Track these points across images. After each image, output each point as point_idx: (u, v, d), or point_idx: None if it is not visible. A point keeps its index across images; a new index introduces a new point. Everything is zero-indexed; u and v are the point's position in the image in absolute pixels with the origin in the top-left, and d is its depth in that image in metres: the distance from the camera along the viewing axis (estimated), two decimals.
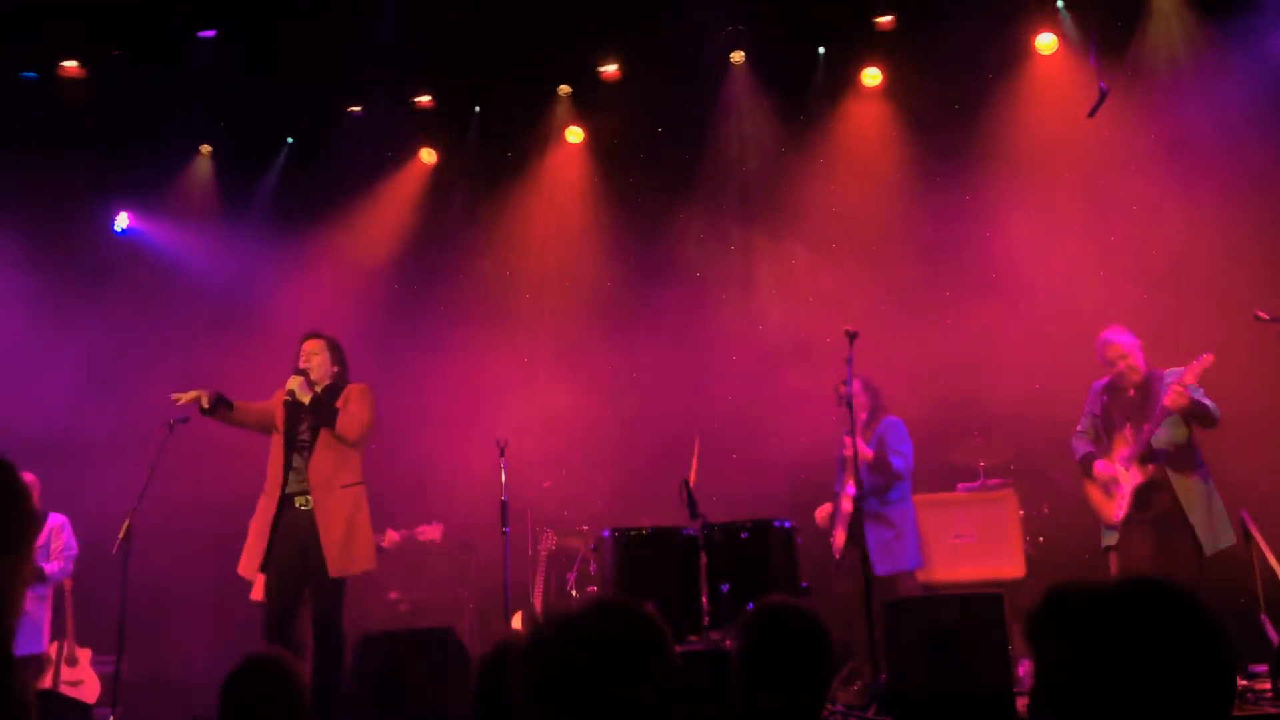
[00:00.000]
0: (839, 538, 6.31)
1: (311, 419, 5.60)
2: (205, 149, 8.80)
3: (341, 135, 8.60)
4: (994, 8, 7.78)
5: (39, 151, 7.81)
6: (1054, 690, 1.55)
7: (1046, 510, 7.04)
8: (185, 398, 5.56)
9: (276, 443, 5.66)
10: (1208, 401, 5.51)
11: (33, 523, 1.08)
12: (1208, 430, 5.61)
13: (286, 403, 5.61)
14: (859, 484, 5.67)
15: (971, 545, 6.77)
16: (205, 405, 5.56)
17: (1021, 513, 6.86)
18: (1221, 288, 6.88)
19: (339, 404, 5.62)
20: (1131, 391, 5.78)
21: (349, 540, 5.49)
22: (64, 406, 7.40)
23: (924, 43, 8.00)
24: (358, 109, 8.56)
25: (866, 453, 6.10)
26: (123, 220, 8.74)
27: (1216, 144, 7.12)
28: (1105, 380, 5.94)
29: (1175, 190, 7.21)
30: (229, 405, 5.66)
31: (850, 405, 5.60)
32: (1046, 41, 7.97)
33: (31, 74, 7.85)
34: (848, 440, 5.96)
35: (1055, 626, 1.58)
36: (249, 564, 5.52)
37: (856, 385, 6.10)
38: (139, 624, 6.18)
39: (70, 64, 7.87)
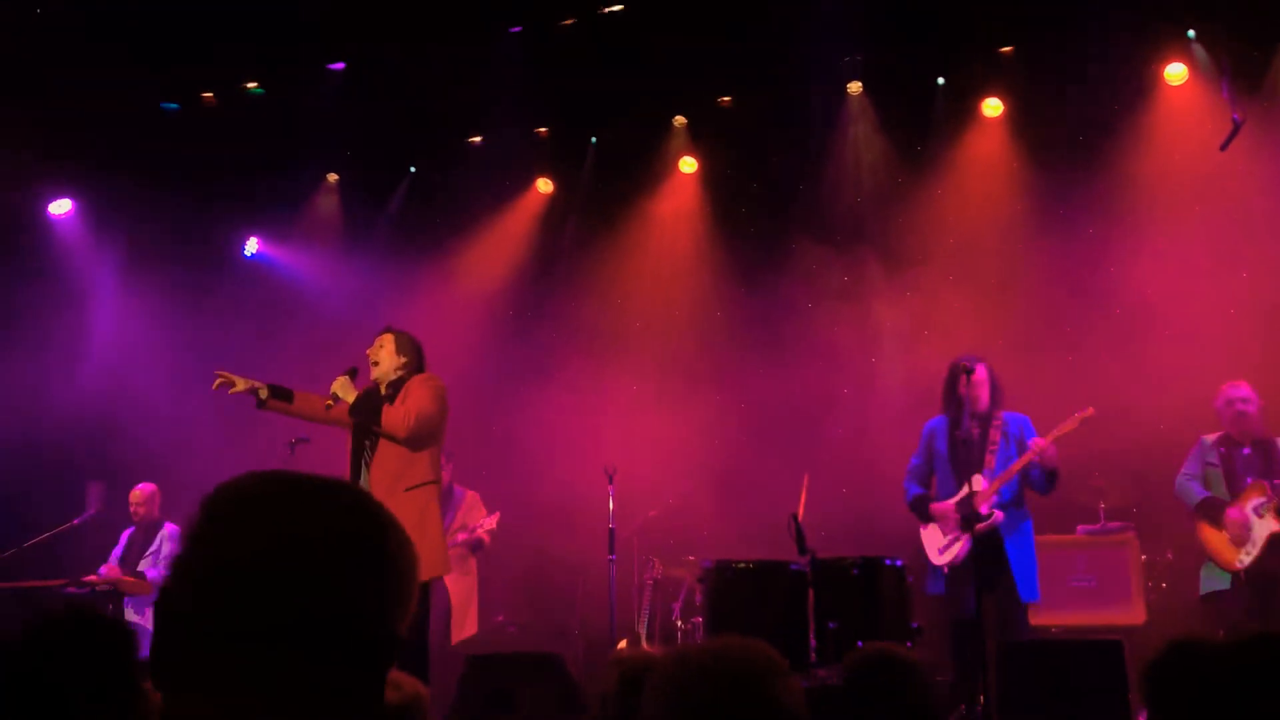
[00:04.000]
0: (954, 548, 5.76)
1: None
2: (332, 177, 9.11)
3: (462, 165, 8.81)
4: (1120, 37, 7.59)
5: (177, 179, 8.17)
6: None
7: (1170, 556, 6.79)
8: (239, 386, 5.24)
9: (349, 442, 5.31)
10: None
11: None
12: None
13: (330, 407, 5.21)
14: (1000, 492, 5.39)
15: (1090, 589, 6.56)
16: (263, 397, 5.26)
17: (1144, 558, 6.63)
18: None
19: (400, 398, 5.19)
20: (1248, 449, 5.80)
21: (416, 547, 5.17)
22: (195, 425, 7.70)
23: (1047, 72, 7.84)
24: (478, 139, 8.76)
25: (1053, 455, 5.59)
26: (252, 245, 9.08)
27: None
28: (1217, 435, 5.98)
29: None
30: (288, 397, 5.31)
31: (969, 445, 5.46)
32: (1176, 72, 7.73)
33: (172, 104, 8.22)
34: (1038, 440, 5.60)
35: (1179, 682, 1.54)
36: None
37: (982, 372, 5.80)
38: None
39: (208, 95, 8.23)
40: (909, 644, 4.85)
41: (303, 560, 1.00)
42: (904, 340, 8.15)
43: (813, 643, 4.97)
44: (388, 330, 5.52)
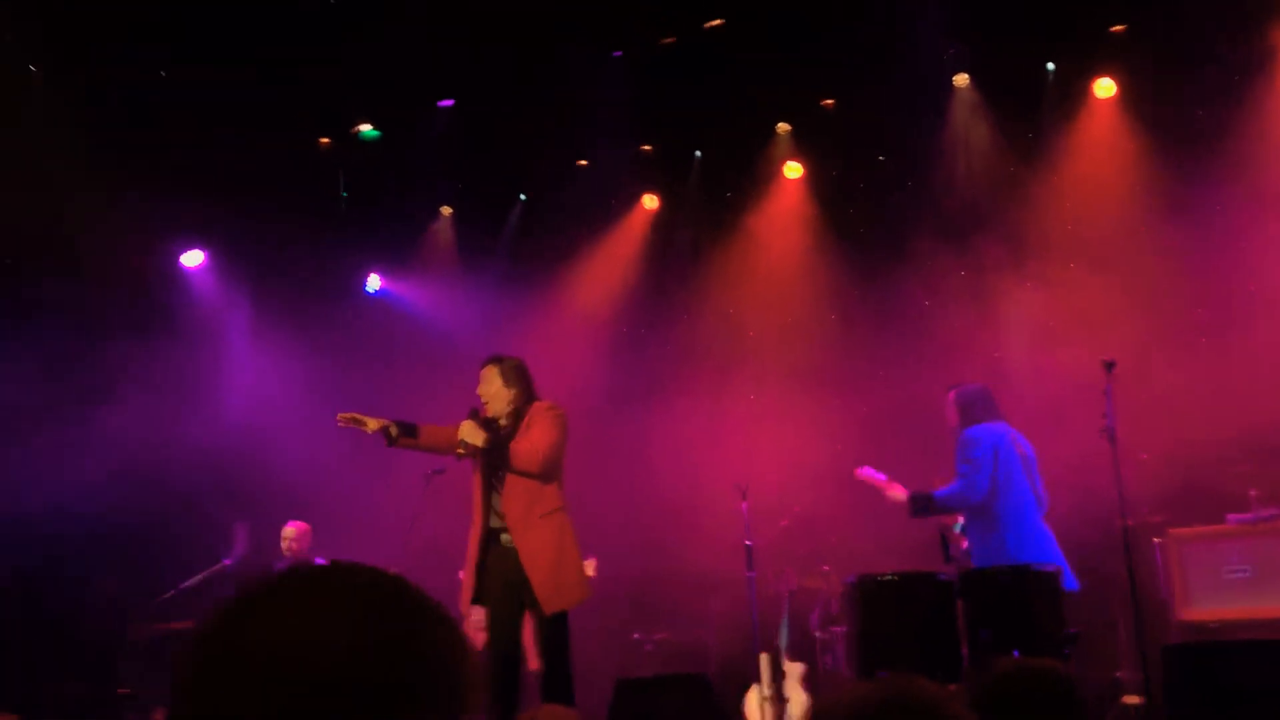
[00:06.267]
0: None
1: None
2: (446, 210, 9.30)
3: (570, 187, 8.91)
4: (1238, 7, 7.33)
5: (299, 222, 8.42)
6: None
7: None
8: (371, 426, 5.32)
9: (476, 476, 5.36)
10: None
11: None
12: None
13: (460, 455, 5.26)
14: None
15: (1247, 580, 6.33)
16: (393, 435, 5.33)
17: None
18: None
19: (522, 429, 5.25)
20: None
21: (559, 573, 5.12)
22: (329, 462, 7.90)
23: (1161, 48, 7.61)
24: (584, 162, 8.85)
25: (899, 494, 5.83)
26: (374, 282, 9.31)
27: None
28: None
29: None
30: (413, 433, 5.39)
31: (1113, 439, 5.33)
32: None
33: (292, 150, 8.48)
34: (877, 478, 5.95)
35: None
36: (464, 600, 5.28)
37: (950, 397, 6.04)
38: None
39: (325, 139, 8.48)
40: (1065, 651, 4.75)
41: (339, 662, 0.93)
42: (1028, 333, 7.97)
43: (965, 651, 4.90)
44: (490, 363, 5.51)
